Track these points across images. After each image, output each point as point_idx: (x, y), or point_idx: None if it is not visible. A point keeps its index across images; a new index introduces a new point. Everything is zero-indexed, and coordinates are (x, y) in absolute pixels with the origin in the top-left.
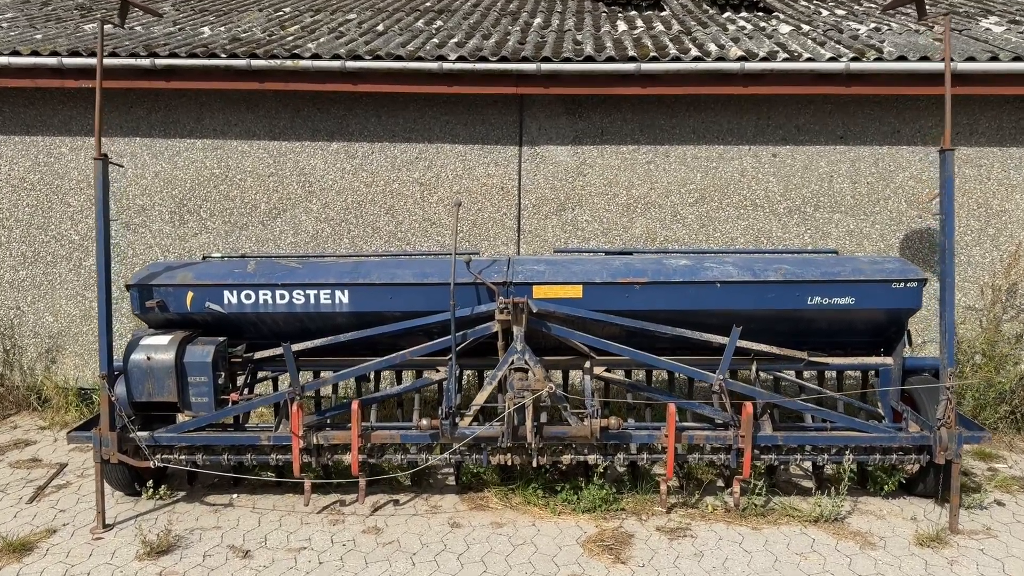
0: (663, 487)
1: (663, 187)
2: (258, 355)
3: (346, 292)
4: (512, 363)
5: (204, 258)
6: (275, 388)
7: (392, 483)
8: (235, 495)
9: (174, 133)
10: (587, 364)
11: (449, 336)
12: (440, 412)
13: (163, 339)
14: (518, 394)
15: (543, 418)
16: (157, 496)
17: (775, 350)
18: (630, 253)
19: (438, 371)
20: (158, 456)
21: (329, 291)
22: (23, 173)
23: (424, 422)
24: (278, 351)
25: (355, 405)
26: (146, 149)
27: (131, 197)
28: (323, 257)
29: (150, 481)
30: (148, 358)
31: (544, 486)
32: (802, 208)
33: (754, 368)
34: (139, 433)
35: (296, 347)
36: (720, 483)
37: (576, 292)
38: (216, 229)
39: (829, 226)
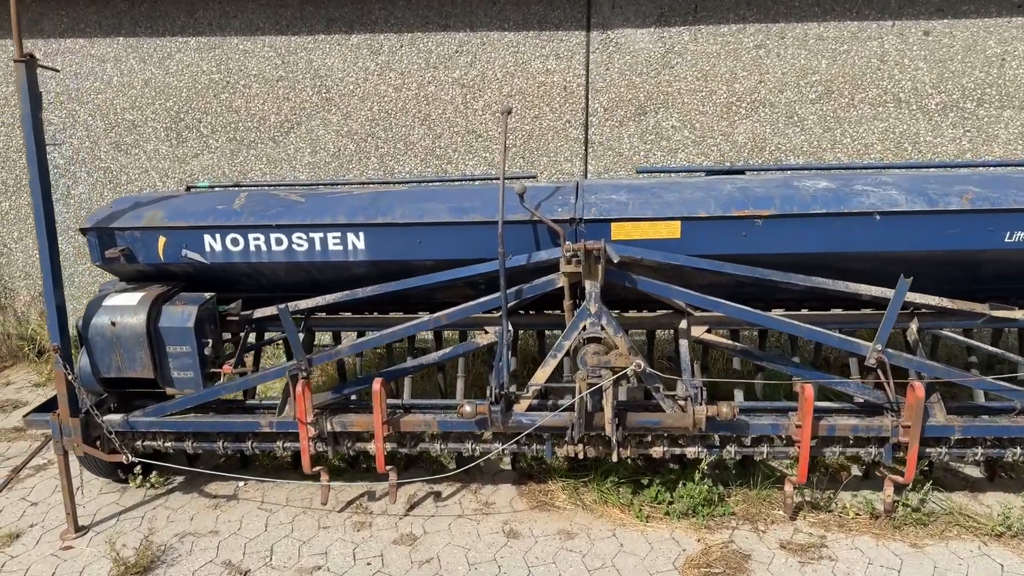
0: (788, 488)
1: (776, 79)
2: (259, 313)
3: (361, 234)
4: (584, 330)
5: (188, 188)
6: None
7: (433, 464)
8: (241, 482)
9: (163, 30)
10: (683, 323)
11: (497, 294)
12: (488, 393)
13: (132, 298)
14: (592, 372)
15: (624, 393)
16: (148, 484)
17: (949, 303)
18: (741, 172)
19: (487, 332)
20: (139, 443)
21: (339, 233)
22: None
23: (467, 407)
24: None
25: (377, 385)
26: (131, 51)
27: (119, 111)
28: (336, 186)
29: (138, 467)
30: (112, 323)
31: (626, 478)
32: (960, 104)
33: (914, 328)
34: (110, 417)
35: (302, 304)
36: (856, 470)
37: (672, 230)
38: (220, 148)
39: (996, 126)
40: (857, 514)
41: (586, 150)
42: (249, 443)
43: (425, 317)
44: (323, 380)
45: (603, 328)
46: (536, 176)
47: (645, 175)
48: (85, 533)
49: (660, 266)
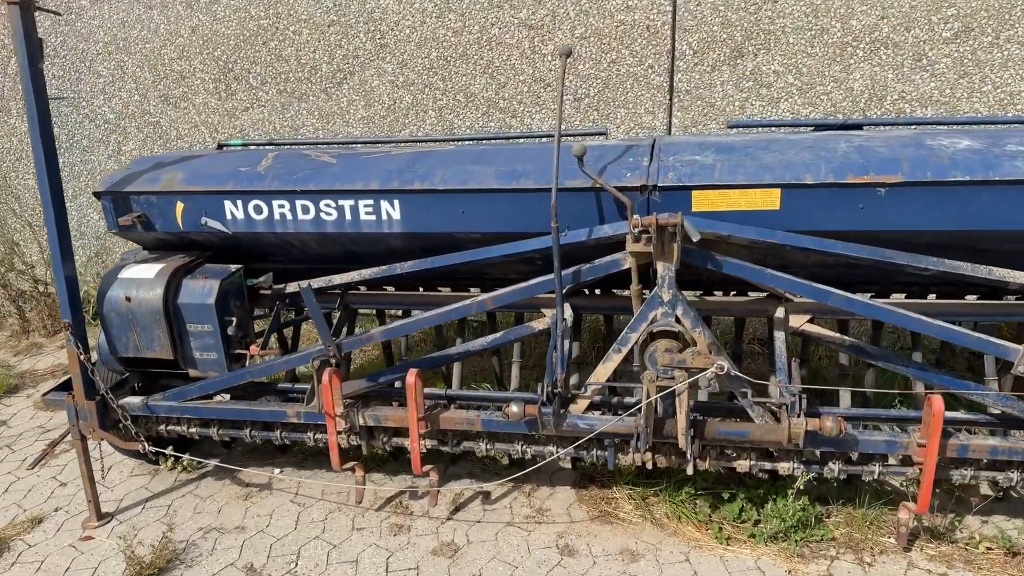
0: (903, 514)
1: (901, 15)
2: (291, 287)
3: (396, 202)
4: (654, 322)
5: (219, 147)
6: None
7: (484, 459)
8: (277, 469)
9: None
10: (779, 311)
11: (549, 276)
12: (539, 390)
13: (149, 270)
14: (663, 373)
15: (704, 392)
16: (180, 467)
17: None
18: (858, 127)
19: (544, 315)
20: (163, 428)
21: (371, 200)
22: None
23: (514, 407)
24: (320, 282)
25: (411, 377)
26: None
27: (167, 61)
28: (377, 144)
29: (170, 448)
30: (128, 298)
31: (704, 489)
32: None
33: None
34: (129, 400)
35: (336, 280)
36: (986, 488)
37: (770, 201)
38: (270, 101)
39: None
40: (989, 548)
41: (671, 100)
42: (278, 432)
43: (467, 301)
44: (365, 363)
45: (678, 320)
46: (606, 132)
47: (738, 130)
48: (108, 522)
49: (753, 245)
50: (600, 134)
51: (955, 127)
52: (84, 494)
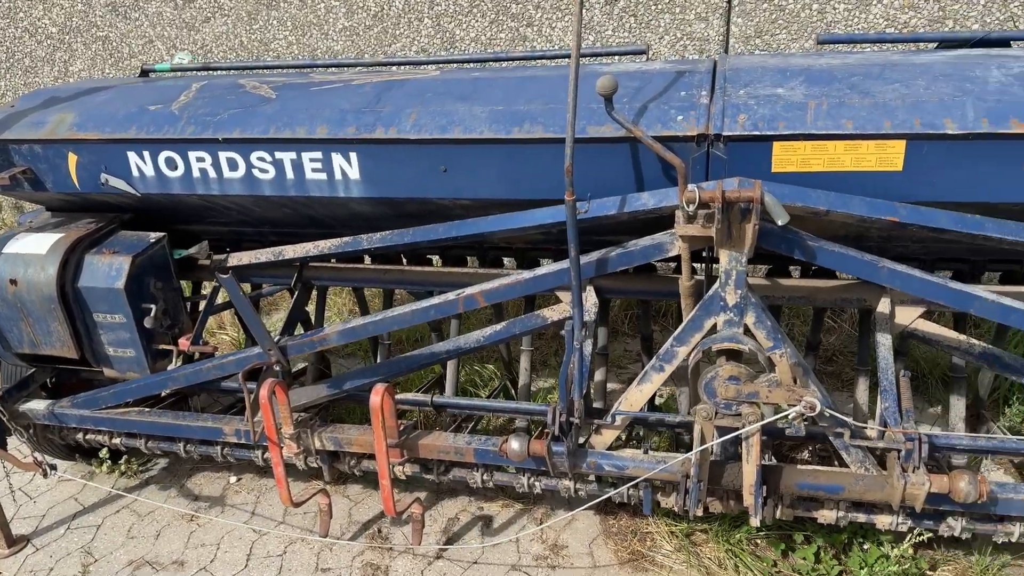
0: None
1: None
2: (234, 259)
3: (352, 156)
4: (713, 332)
5: (143, 73)
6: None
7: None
8: (233, 477)
9: None
10: (882, 303)
11: (564, 264)
12: (549, 420)
13: (41, 242)
14: (725, 410)
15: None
16: (118, 471)
17: None
18: (1004, 43)
19: (560, 298)
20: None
21: (319, 153)
22: None
23: (515, 443)
24: (248, 257)
25: (376, 397)
26: None
27: None
28: (342, 68)
29: (103, 451)
30: (13, 281)
31: (769, 528)
32: None
33: None
34: (32, 406)
35: (288, 253)
36: None
37: (889, 158)
38: (234, 10)
39: None
40: None
41: (729, 2)
42: (220, 449)
43: (451, 296)
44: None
45: (748, 331)
46: (647, 51)
47: (830, 48)
48: (21, 548)
49: (863, 224)
50: (639, 53)
51: None
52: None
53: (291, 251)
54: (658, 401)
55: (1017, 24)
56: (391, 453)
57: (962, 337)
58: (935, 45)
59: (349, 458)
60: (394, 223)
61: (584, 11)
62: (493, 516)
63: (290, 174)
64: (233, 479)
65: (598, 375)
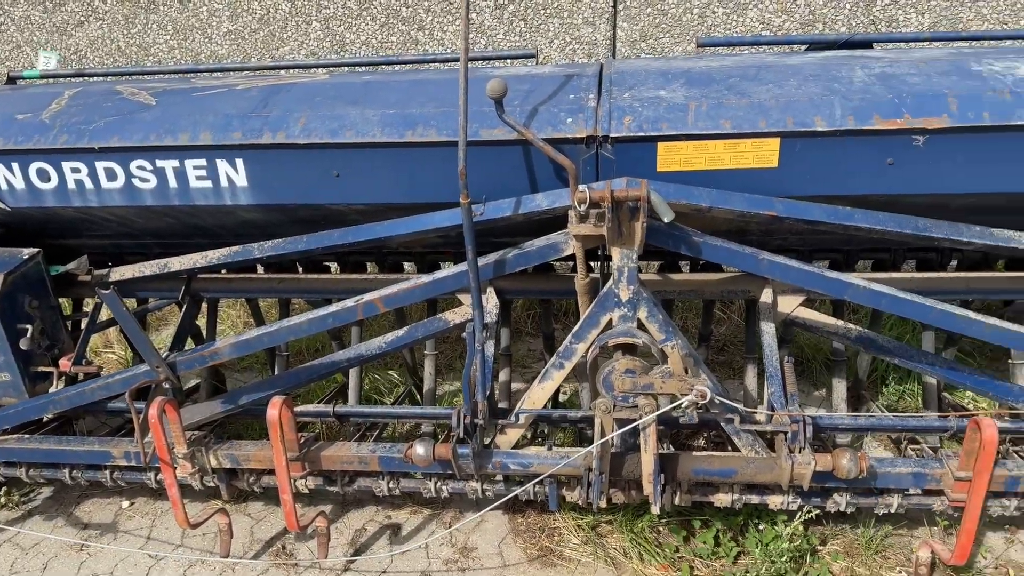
0: (922, 552)
1: None
2: (116, 273)
3: (239, 162)
4: (608, 328)
5: (10, 80)
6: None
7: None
8: (125, 502)
9: None
10: (765, 293)
11: (462, 267)
12: (454, 423)
13: None
14: (623, 402)
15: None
16: None
17: None
18: (866, 44)
19: (461, 300)
20: None
21: (203, 160)
22: None
23: (420, 448)
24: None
25: (274, 410)
26: None
27: None
28: (226, 73)
29: None
30: None
31: (669, 515)
32: None
33: None
34: None
35: (175, 265)
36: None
37: (765, 154)
38: (110, 14)
39: None
40: None
41: (615, 6)
42: (109, 474)
43: (349, 303)
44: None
45: (641, 326)
46: (536, 55)
47: (708, 51)
48: None
49: (743, 219)
50: (528, 57)
51: (1001, 44)
52: None
53: (177, 263)
54: (563, 398)
55: (879, 27)
56: (292, 467)
57: (840, 323)
58: (806, 47)
59: (248, 475)
60: (287, 230)
61: (474, 15)
62: (401, 524)
63: (173, 183)
64: (126, 504)
65: (502, 375)
